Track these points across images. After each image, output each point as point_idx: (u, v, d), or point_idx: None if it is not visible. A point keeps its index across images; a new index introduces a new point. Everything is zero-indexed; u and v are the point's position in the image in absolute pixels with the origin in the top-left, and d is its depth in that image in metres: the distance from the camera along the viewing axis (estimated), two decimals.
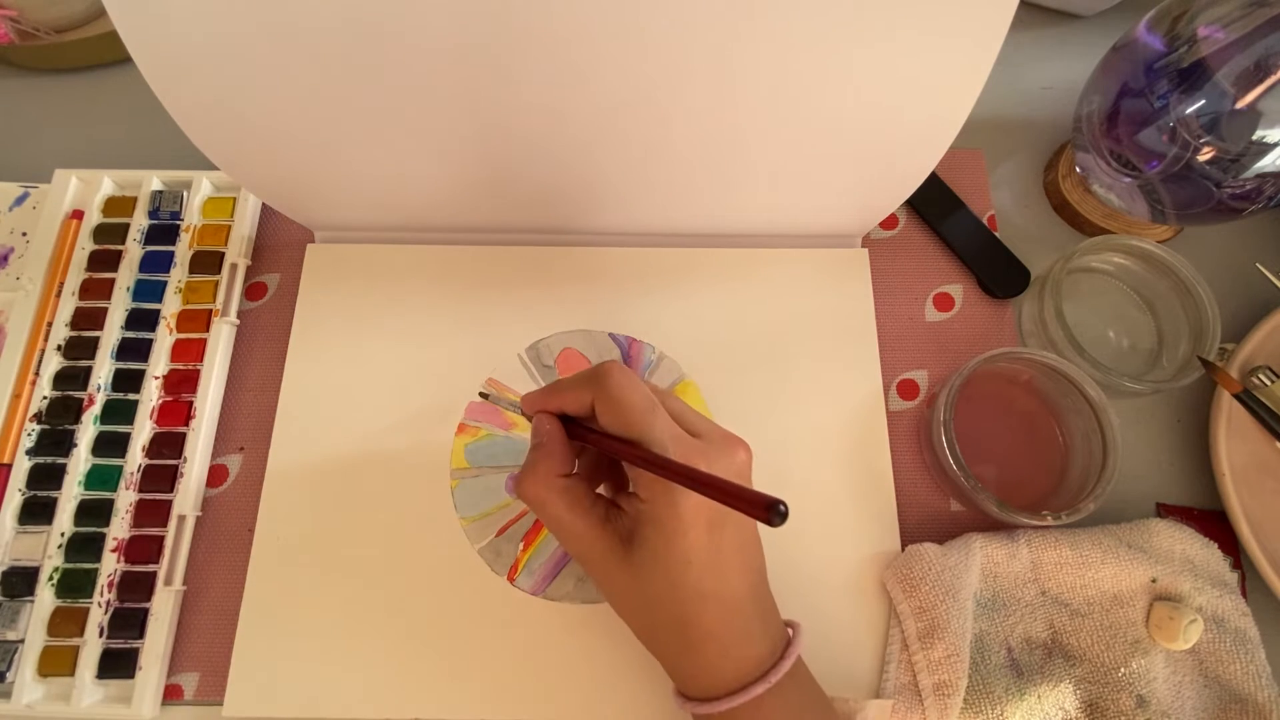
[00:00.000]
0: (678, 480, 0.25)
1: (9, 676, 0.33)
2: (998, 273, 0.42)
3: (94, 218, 0.41)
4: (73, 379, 0.38)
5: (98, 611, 0.34)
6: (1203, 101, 0.33)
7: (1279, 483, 0.37)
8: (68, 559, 0.35)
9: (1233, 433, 0.37)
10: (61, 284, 0.40)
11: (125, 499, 0.36)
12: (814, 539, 0.36)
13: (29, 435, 0.37)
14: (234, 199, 0.42)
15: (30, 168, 0.44)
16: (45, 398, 0.37)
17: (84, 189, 0.42)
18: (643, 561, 0.27)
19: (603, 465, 0.31)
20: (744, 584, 0.28)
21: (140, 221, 0.41)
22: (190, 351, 0.39)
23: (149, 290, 0.40)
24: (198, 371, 0.38)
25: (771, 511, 0.21)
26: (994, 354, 0.36)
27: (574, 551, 0.29)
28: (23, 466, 0.36)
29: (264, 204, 0.43)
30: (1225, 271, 0.42)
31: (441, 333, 0.40)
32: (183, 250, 0.40)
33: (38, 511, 0.36)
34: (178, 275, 0.40)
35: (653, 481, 0.26)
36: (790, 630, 0.29)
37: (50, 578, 0.35)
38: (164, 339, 0.39)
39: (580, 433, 0.29)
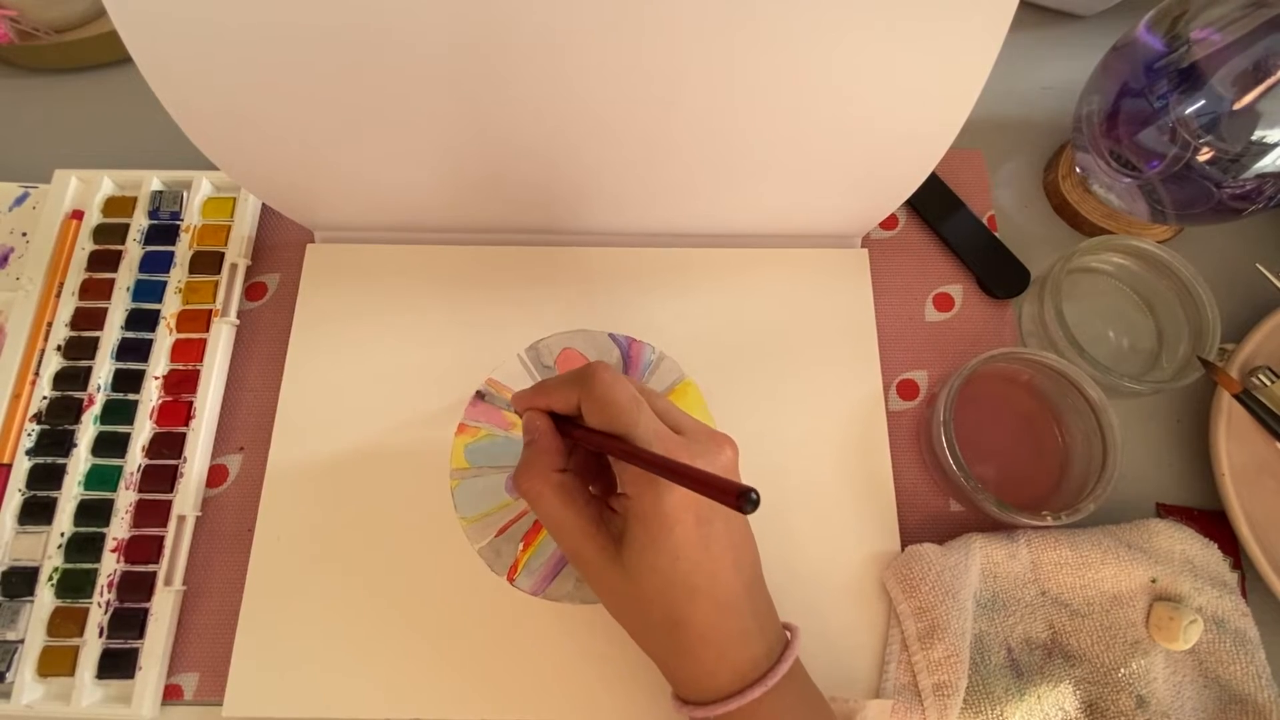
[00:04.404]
0: (653, 470, 0.25)
1: (9, 676, 0.33)
2: (998, 273, 0.42)
3: (94, 218, 0.41)
4: (73, 379, 0.38)
5: (97, 611, 0.34)
6: (1202, 102, 0.33)
7: (1279, 483, 0.37)
8: (67, 559, 0.35)
9: (1233, 433, 0.37)
10: (61, 284, 0.40)
11: (125, 499, 0.36)
12: (814, 539, 0.36)
13: (29, 435, 0.37)
14: (234, 199, 0.42)
15: (30, 168, 0.44)
16: (45, 398, 0.37)
17: (84, 189, 0.42)
18: (632, 560, 0.27)
19: (592, 468, 0.31)
20: (737, 582, 0.28)
21: (140, 221, 0.41)
22: (190, 351, 0.39)
23: (149, 290, 0.40)
24: (198, 371, 0.38)
25: (742, 499, 0.21)
26: (994, 354, 0.36)
27: (567, 549, 0.29)
28: (23, 466, 0.36)
29: (264, 204, 0.43)
30: (1225, 271, 0.42)
31: (441, 333, 0.40)
32: (183, 250, 0.40)
33: (37, 511, 0.36)
34: (178, 275, 0.40)
35: (638, 477, 0.27)
36: (788, 632, 0.29)
37: (50, 578, 0.35)
38: (164, 339, 0.39)
39: (569, 430, 0.30)
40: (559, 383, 0.30)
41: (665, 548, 0.26)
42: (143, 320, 0.39)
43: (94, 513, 0.36)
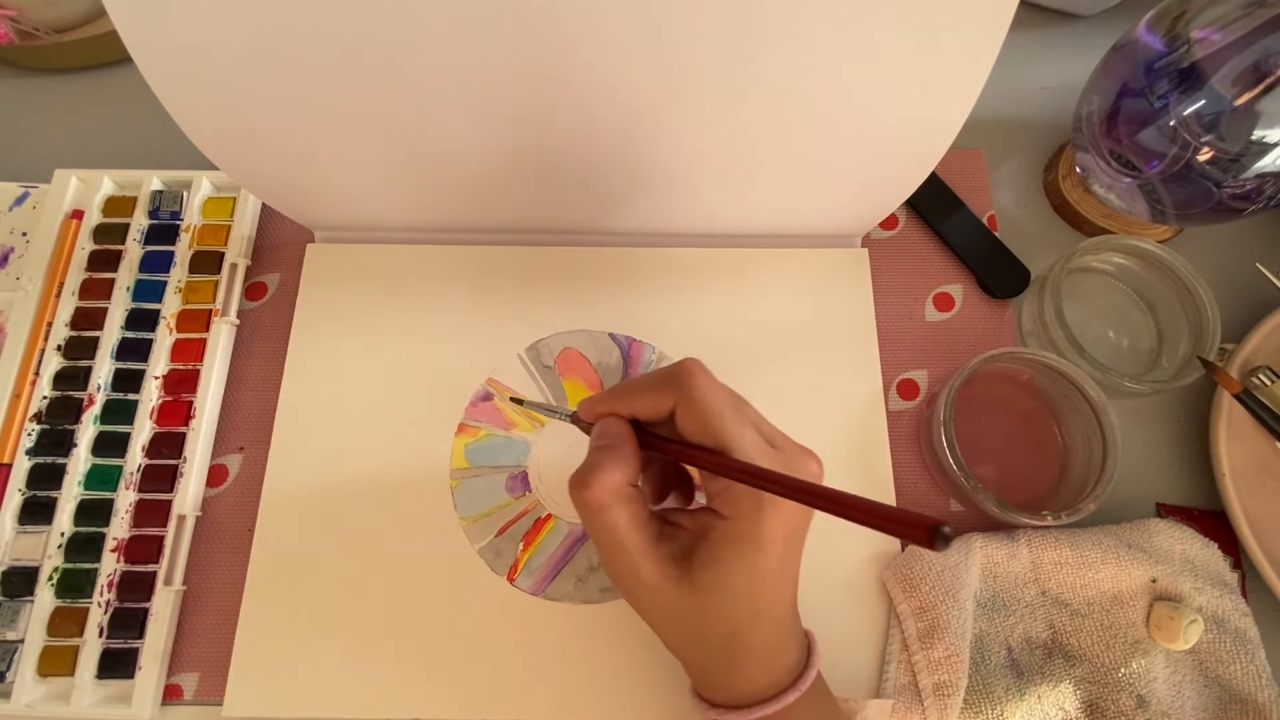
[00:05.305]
0: (802, 499, 0.22)
1: (9, 676, 0.33)
2: (998, 273, 0.42)
3: (94, 218, 0.41)
4: (73, 379, 0.38)
5: (97, 611, 0.34)
6: (1202, 101, 0.33)
7: (1279, 483, 0.37)
8: (68, 559, 0.35)
9: (1233, 433, 0.37)
10: (61, 284, 0.40)
11: (125, 499, 0.36)
12: (814, 539, 0.36)
13: (29, 435, 0.37)
14: (234, 199, 0.42)
15: (30, 168, 0.44)
16: (45, 398, 0.37)
17: (84, 189, 0.42)
18: (708, 581, 0.25)
19: (667, 479, 0.30)
20: (790, 598, 0.27)
21: (140, 221, 0.41)
22: (190, 351, 0.39)
23: (149, 290, 0.40)
24: (198, 371, 0.38)
25: (935, 535, 0.18)
26: (994, 354, 0.36)
27: (619, 566, 0.26)
28: (23, 466, 0.36)
29: (264, 204, 0.43)
30: (1225, 271, 0.42)
31: (441, 333, 0.40)
32: (183, 250, 0.40)
33: (38, 511, 0.36)
34: (178, 275, 0.40)
35: (742, 497, 0.25)
36: (808, 637, 0.29)
37: (50, 578, 0.35)
38: (164, 339, 0.39)
39: (652, 440, 0.27)
40: (645, 386, 0.27)
41: (751, 569, 0.25)
42: (143, 320, 0.39)
43: (94, 513, 0.36)
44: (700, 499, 0.30)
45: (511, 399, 0.35)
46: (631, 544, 0.25)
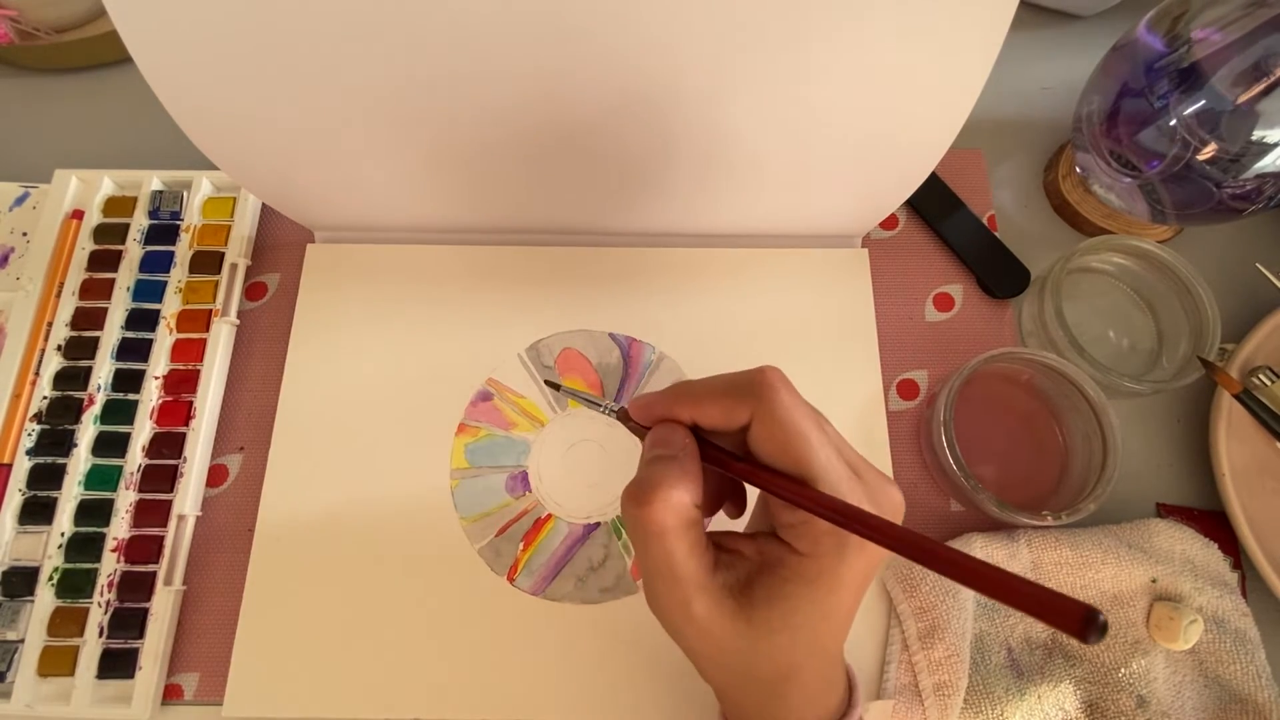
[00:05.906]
0: (917, 558, 0.19)
1: (9, 676, 0.33)
2: (998, 273, 0.42)
3: (94, 218, 0.41)
4: (73, 379, 0.38)
5: (97, 611, 0.34)
6: (1202, 102, 0.33)
7: (1279, 483, 0.37)
8: (68, 559, 0.35)
9: (1233, 433, 0.37)
10: (61, 284, 0.40)
11: (125, 499, 0.36)
12: None
13: (29, 435, 0.37)
14: (234, 199, 0.42)
15: (30, 168, 0.44)
16: (45, 398, 0.37)
17: (84, 189, 0.42)
18: (769, 618, 0.22)
19: (724, 491, 0.27)
20: (845, 636, 0.25)
21: (140, 221, 0.41)
22: (190, 351, 0.39)
23: (149, 290, 0.40)
24: (198, 371, 0.38)
25: (1089, 626, 0.15)
26: (994, 354, 0.36)
27: (669, 596, 0.23)
28: (23, 466, 0.36)
29: (264, 204, 0.43)
30: (1225, 271, 0.42)
31: (441, 333, 0.40)
32: (183, 250, 0.40)
33: (38, 511, 0.36)
34: (178, 275, 0.40)
35: (823, 535, 0.22)
36: (850, 674, 0.27)
37: (50, 578, 0.35)
38: (164, 339, 0.39)
39: (716, 455, 0.24)
40: (714, 391, 0.23)
41: (821, 611, 0.22)
42: (143, 320, 0.39)
43: (94, 513, 0.36)
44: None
45: (547, 382, 0.33)
46: (688, 575, 0.22)
